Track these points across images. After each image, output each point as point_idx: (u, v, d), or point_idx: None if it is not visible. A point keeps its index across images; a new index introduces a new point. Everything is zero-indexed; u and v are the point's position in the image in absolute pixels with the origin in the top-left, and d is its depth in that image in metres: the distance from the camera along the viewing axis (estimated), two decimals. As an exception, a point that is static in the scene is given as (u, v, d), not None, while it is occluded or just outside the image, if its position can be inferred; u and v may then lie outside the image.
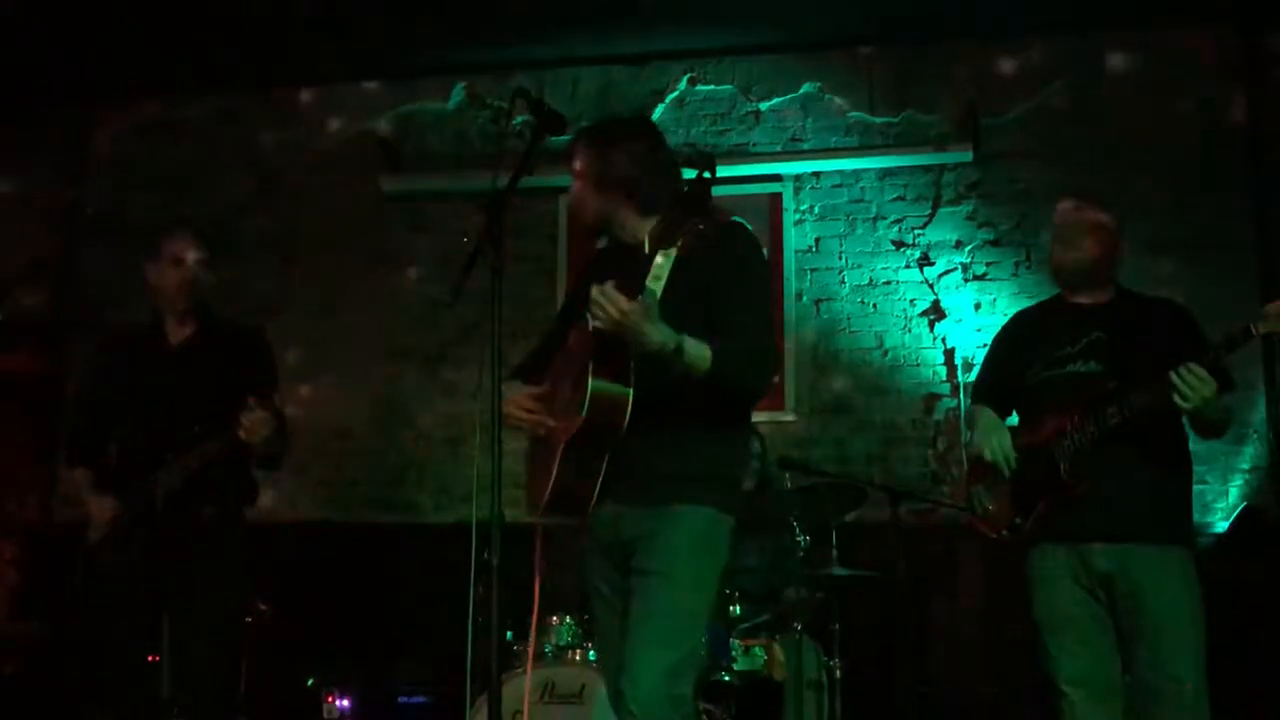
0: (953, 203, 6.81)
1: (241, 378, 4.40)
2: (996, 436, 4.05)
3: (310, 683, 6.04)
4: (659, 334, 2.89)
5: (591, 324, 2.94)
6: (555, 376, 3.27)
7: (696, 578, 3.11)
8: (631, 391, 2.96)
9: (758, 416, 6.55)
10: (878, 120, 6.97)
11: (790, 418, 6.76)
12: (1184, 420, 3.89)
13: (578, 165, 3.30)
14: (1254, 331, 3.60)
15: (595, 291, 2.86)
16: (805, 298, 6.88)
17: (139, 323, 4.71)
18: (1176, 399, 3.62)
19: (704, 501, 3.12)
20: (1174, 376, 3.62)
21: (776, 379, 6.70)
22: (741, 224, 3.29)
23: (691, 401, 3.06)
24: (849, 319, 6.83)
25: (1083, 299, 4.09)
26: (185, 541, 4.27)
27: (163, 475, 4.28)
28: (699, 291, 3.07)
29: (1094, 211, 4.09)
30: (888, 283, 6.82)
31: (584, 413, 2.93)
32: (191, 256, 4.55)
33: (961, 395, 6.52)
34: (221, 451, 4.22)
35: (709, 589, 3.17)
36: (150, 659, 4.39)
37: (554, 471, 3.04)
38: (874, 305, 6.81)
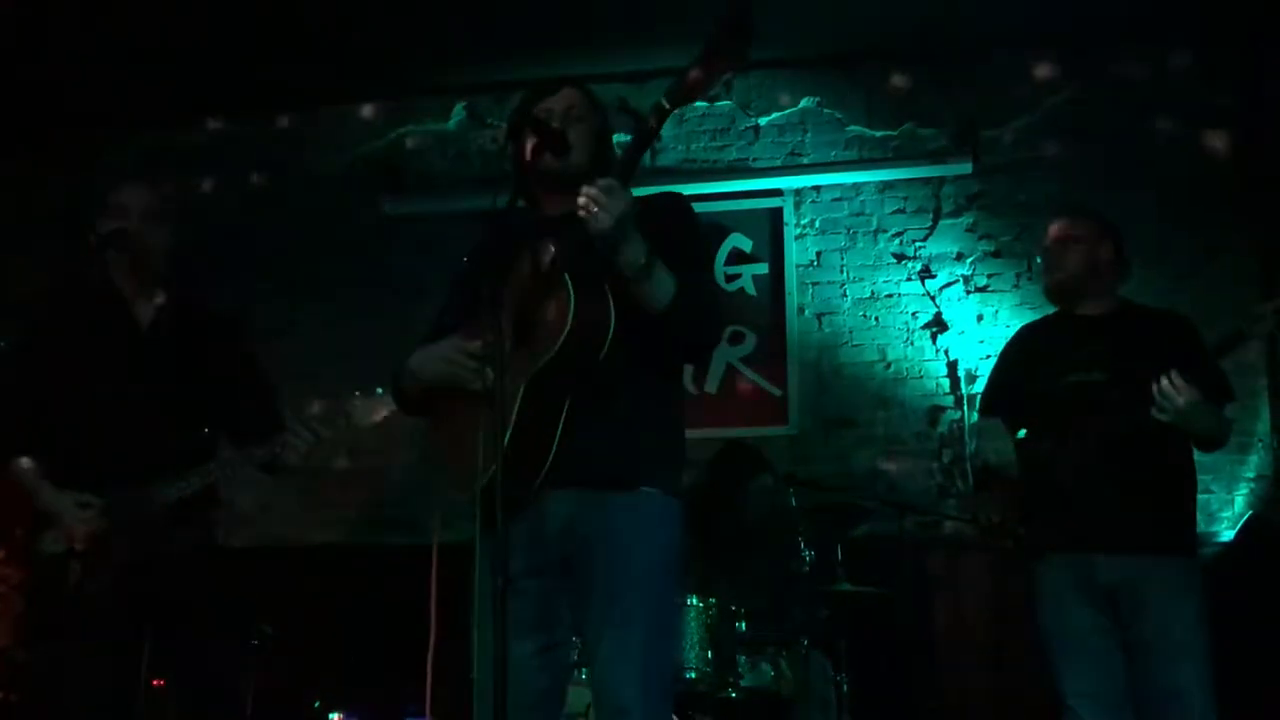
0: (953, 215, 6.81)
1: (231, 372, 4.04)
2: (997, 444, 4.07)
3: (317, 704, 6.03)
4: (640, 242, 2.71)
5: (552, 257, 2.77)
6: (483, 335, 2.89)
7: (670, 583, 2.93)
8: (614, 316, 2.75)
9: (762, 432, 6.60)
10: (877, 134, 6.98)
11: (793, 432, 6.76)
12: (1186, 430, 3.90)
13: (570, 107, 3.06)
14: (1245, 333, 3.62)
15: (599, 183, 2.61)
16: (807, 312, 6.87)
17: (86, 288, 4.04)
18: (1154, 410, 3.64)
19: (665, 485, 2.92)
20: (1154, 390, 3.65)
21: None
22: (678, 194, 3.17)
23: (648, 360, 2.89)
24: (851, 332, 6.82)
25: (1086, 311, 4.12)
26: (173, 562, 3.78)
27: (160, 486, 3.77)
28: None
29: (1076, 226, 4.13)
30: (889, 296, 6.81)
31: (564, 334, 2.69)
32: (138, 206, 3.95)
33: (965, 407, 6.52)
34: (242, 467, 3.87)
35: (680, 593, 3.05)
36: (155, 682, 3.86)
37: (510, 422, 2.72)
38: (876, 318, 6.81)
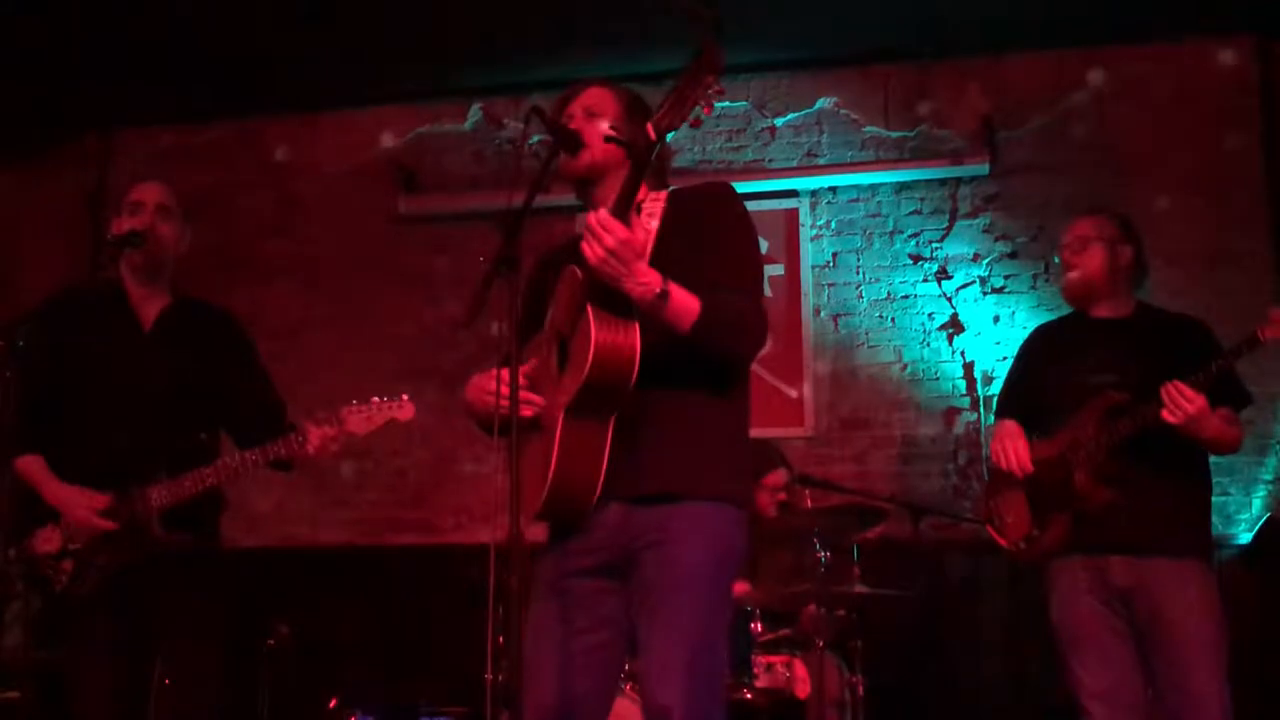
0: (970, 216, 6.80)
1: (234, 373, 4.01)
2: (1012, 442, 4.06)
3: (333, 704, 6.04)
4: (647, 275, 2.69)
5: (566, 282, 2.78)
6: (536, 355, 2.98)
7: (720, 590, 2.88)
8: (638, 343, 2.72)
9: (778, 433, 6.59)
10: (893, 134, 6.97)
11: (809, 433, 6.75)
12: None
13: (588, 105, 3.05)
14: (1260, 338, 3.61)
15: (591, 218, 2.67)
16: (823, 313, 6.87)
17: (93, 288, 4.03)
18: (1164, 414, 3.63)
19: (721, 496, 2.88)
20: (1162, 393, 3.65)
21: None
22: (727, 184, 3.10)
23: (698, 371, 2.85)
24: (867, 334, 6.82)
25: (1101, 313, 4.10)
26: (169, 564, 3.75)
27: (157, 490, 3.76)
28: (683, 253, 2.84)
29: (1097, 226, 4.12)
30: (906, 297, 6.81)
31: (587, 365, 2.67)
32: (152, 200, 3.96)
33: (981, 409, 6.51)
34: (256, 467, 3.82)
35: (731, 599, 3.02)
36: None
37: (554, 452, 2.74)
38: (892, 319, 6.80)
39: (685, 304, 2.74)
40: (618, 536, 2.85)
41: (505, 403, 2.71)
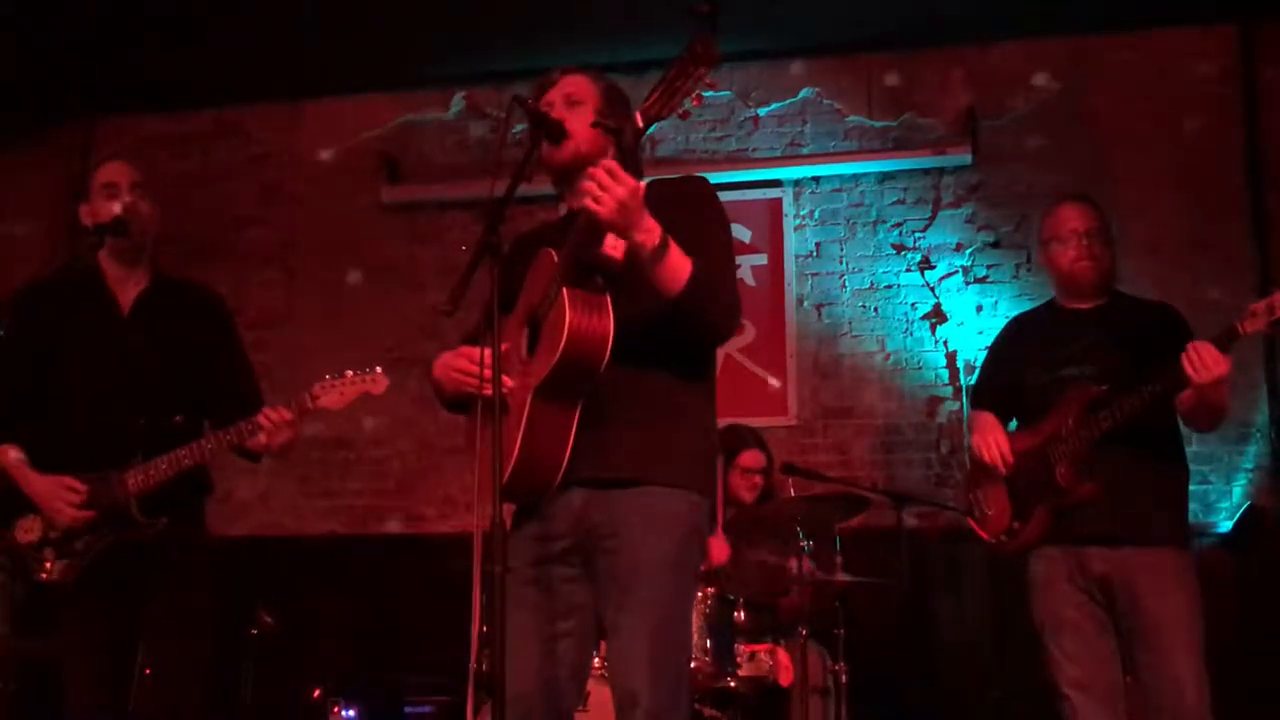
0: (952, 206, 6.81)
1: (210, 351, 3.97)
2: (993, 436, 4.07)
3: (317, 693, 6.05)
4: (652, 223, 2.69)
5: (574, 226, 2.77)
6: (506, 337, 2.95)
7: (682, 575, 2.89)
8: (612, 325, 2.73)
9: (761, 422, 6.60)
10: (876, 124, 6.97)
11: (792, 422, 6.76)
12: (1178, 420, 3.91)
13: (568, 93, 3.07)
14: (1240, 330, 3.60)
15: (598, 170, 2.64)
16: (806, 303, 6.88)
17: (67, 274, 4.01)
18: (1189, 370, 3.58)
19: (681, 482, 2.89)
20: (1189, 351, 3.60)
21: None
22: (702, 178, 3.12)
23: (668, 352, 2.88)
24: (850, 323, 6.83)
25: (1078, 304, 4.11)
26: (153, 552, 3.74)
27: (133, 474, 3.72)
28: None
29: (1100, 219, 4.11)
30: (889, 286, 6.82)
31: (560, 350, 2.68)
32: (126, 179, 3.92)
33: (964, 398, 6.52)
34: (215, 452, 3.77)
35: (694, 584, 3.02)
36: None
37: (520, 432, 2.76)
38: (875, 309, 6.81)
39: (681, 260, 2.75)
40: (581, 524, 2.88)
41: (475, 381, 2.78)
